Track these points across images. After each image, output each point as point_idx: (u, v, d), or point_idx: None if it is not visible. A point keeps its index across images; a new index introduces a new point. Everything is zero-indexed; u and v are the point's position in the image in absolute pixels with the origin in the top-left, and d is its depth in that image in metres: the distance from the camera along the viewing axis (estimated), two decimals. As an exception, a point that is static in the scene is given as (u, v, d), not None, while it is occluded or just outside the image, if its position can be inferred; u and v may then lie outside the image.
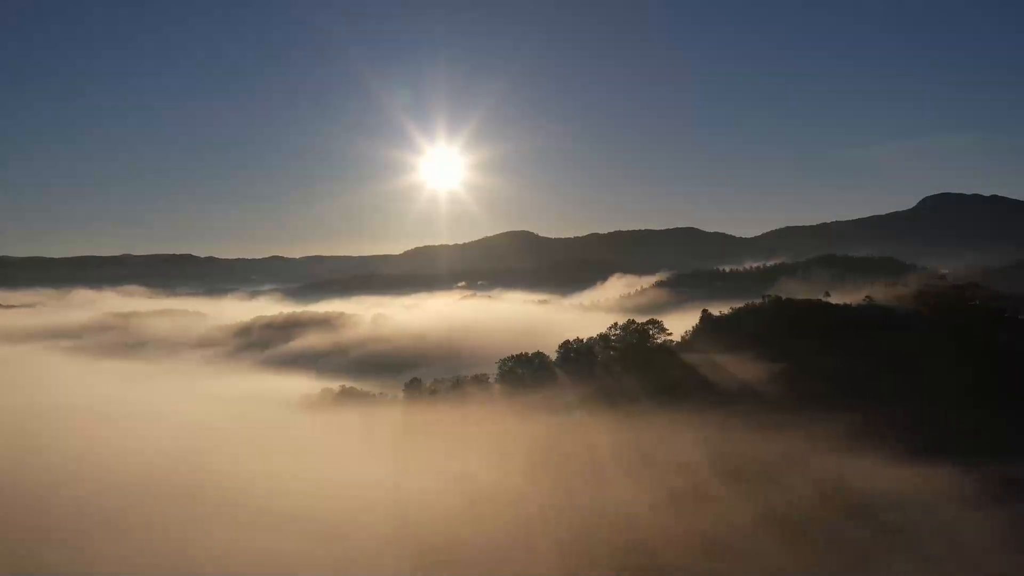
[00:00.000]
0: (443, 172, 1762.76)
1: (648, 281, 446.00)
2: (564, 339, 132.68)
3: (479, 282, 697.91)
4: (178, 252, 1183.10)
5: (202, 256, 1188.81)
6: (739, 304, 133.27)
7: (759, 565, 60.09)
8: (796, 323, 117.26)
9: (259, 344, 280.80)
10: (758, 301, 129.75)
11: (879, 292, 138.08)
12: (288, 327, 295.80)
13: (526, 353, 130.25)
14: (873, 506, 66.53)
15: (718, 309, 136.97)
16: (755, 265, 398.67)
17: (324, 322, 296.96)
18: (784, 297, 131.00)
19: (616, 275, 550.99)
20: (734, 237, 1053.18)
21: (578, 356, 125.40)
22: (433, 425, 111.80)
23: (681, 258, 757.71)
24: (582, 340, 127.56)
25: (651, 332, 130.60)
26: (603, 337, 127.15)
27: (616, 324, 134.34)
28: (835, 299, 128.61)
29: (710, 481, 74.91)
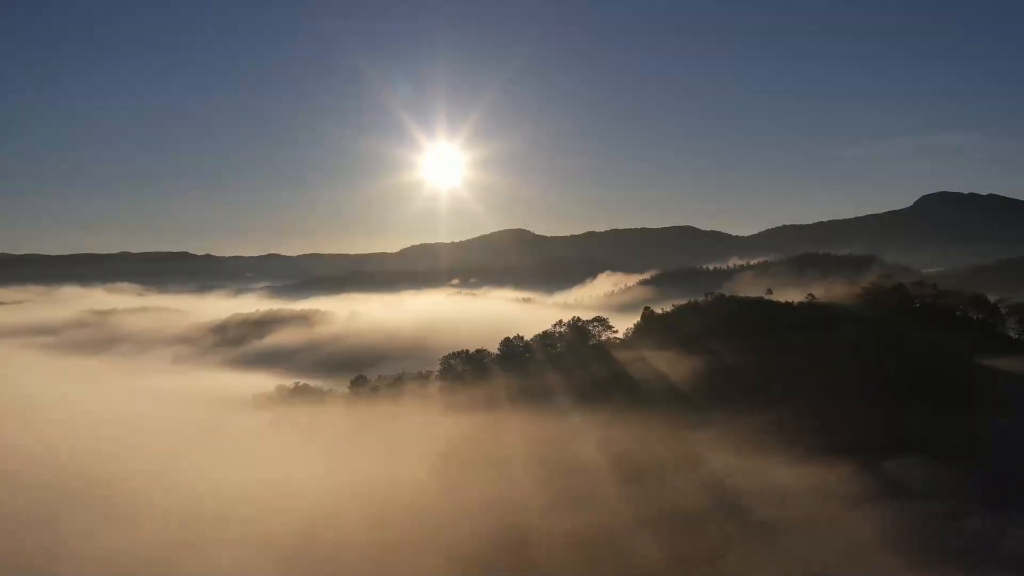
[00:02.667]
0: (443, 169, 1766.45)
1: (635, 279, 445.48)
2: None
3: (472, 280, 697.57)
4: (175, 250, 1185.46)
5: (199, 254, 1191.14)
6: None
7: (629, 565, 59.43)
8: (732, 322, 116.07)
9: (233, 341, 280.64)
10: (701, 299, 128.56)
11: (836, 290, 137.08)
12: (264, 324, 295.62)
13: (467, 350, 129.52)
14: (752, 504, 65.99)
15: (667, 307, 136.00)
16: (740, 263, 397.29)
17: (300, 319, 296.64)
18: (728, 295, 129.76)
19: (605, 273, 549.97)
20: (730, 236, 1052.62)
21: (517, 353, 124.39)
22: (362, 423, 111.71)
23: (677, 256, 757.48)
24: (522, 337, 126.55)
25: (593, 330, 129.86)
26: (543, 335, 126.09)
27: (561, 321, 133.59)
28: (778, 297, 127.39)
29: (606, 481, 74.18)
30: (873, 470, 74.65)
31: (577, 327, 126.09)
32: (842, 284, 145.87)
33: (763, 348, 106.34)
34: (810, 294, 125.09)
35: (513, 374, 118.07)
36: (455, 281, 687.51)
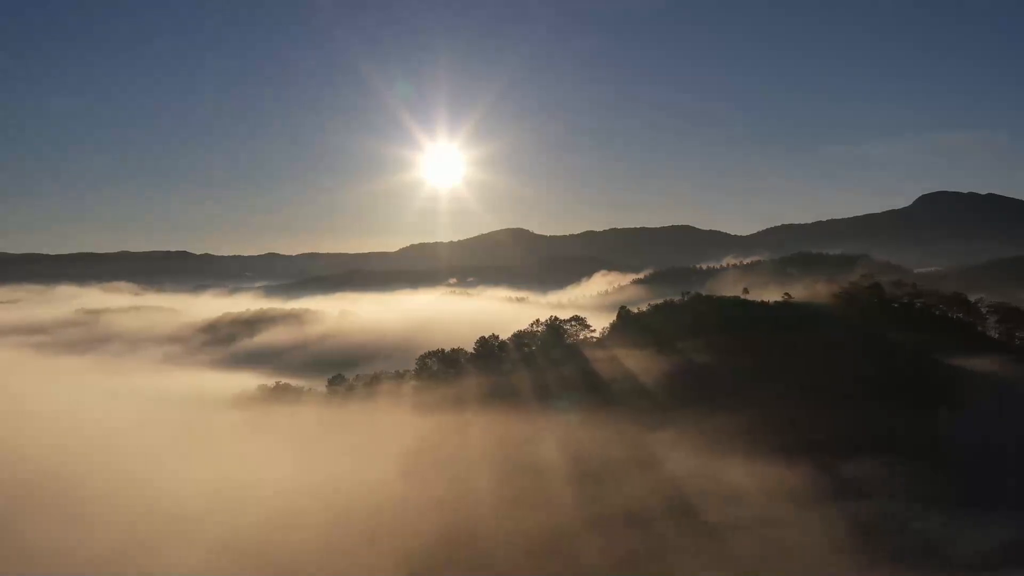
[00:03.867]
0: (443, 168, 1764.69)
1: (629, 279, 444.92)
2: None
3: (469, 279, 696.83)
4: (174, 249, 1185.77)
5: (198, 253, 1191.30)
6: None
7: (575, 565, 59.20)
8: (706, 321, 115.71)
9: (223, 341, 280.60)
10: (677, 299, 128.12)
11: (815, 290, 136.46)
12: (254, 324, 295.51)
13: (442, 349, 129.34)
14: (705, 505, 65.92)
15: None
16: (733, 262, 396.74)
17: (291, 318, 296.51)
18: (705, 294, 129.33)
19: (600, 273, 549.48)
20: (729, 235, 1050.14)
21: (491, 352, 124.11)
22: (334, 423, 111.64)
23: (676, 256, 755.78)
24: (497, 337, 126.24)
25: (571, 329, 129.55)
26: (518, 334, 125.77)
27: (537, 320, 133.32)
28: (762, 297, 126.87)
29: (562, 482, 73.97)
30: (832, 470, 74.60)
31: (552, 327, 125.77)
32: (821, 283, 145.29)
33: (734, 348, 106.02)
34: (786, 293, 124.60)
35: (486, 373, 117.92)
36: (452, 280, 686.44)
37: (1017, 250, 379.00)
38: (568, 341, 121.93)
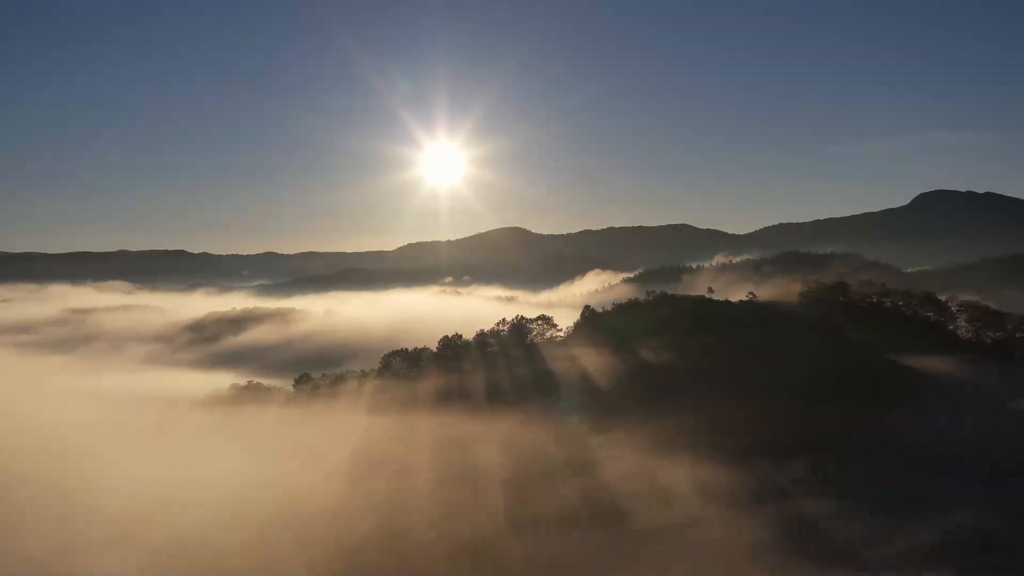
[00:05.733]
0: (442, 167, 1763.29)
1: (621, 278, 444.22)
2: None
3: (464, 278, 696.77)
4: (172, 248, 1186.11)
5: (195, 252, 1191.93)
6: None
7: (494, 570, 58.77)
8: (668, 321, 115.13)
9: (208, 340, 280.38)
10: (642, 299, 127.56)
11: (785, 289, 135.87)
12: (240, 322, 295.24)
13: (406, 348, 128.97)
14: (636, 508, 65.27)
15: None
16: (723, 261, 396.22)
17: (276, 317, 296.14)
18: (670, 294, 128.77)
19: (594, 272, 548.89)
20: (727, 234, 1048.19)
21: (455, 352, 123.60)
22: (290, 423, 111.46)
23: (673, 255, 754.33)
24: (460, 336, 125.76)
25: (538, 328, 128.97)
26: (481, 334, 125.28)
27: (504, 320, 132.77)
28: (718, 296, 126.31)
29: (498, 486, 73.43)
30: (771, 471, 74.03)
31: (516, 326, 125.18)
32: (789, 282, 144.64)
33: (693, 348, 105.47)
34: (751, 292, 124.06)
35: (446, 373, 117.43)
36: (448, 280, 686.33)
37: (1015, 248, 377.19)
38: (532, 341, 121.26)
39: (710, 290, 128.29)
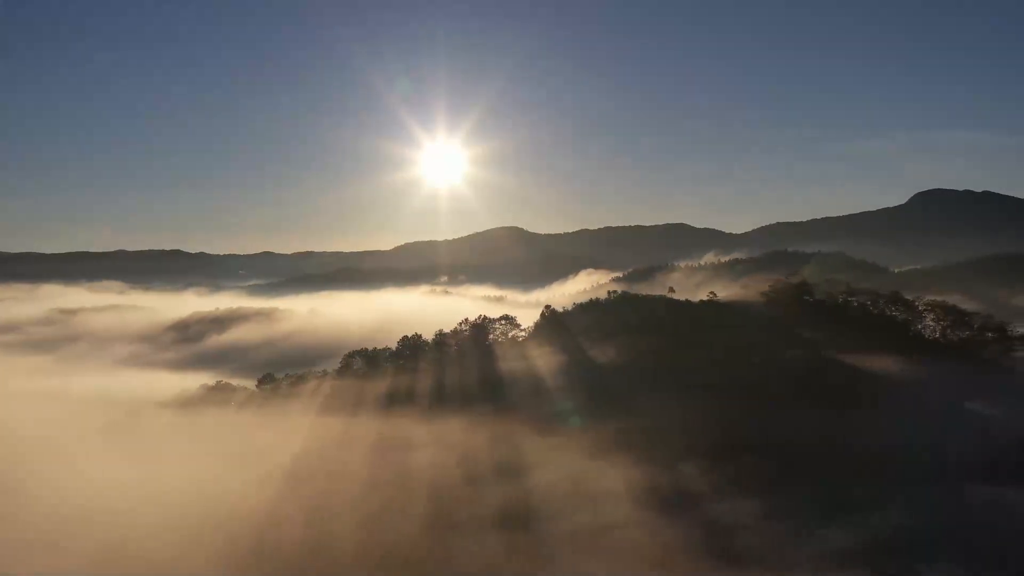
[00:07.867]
0: (441, 167, 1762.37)
1: (611, 277, 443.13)
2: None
3: (460, 277, 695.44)
4: (169, 248, 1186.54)
5: (193, 252, 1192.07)
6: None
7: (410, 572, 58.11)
8: (627, 321, 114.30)
9: (191, 339, 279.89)
10: (603, 298, 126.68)
11: (751, 289, 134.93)
12: (225, 322, 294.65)
13: (366, 348, 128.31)
14: (565, 510, 64.78)
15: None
16: (711, 261, 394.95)
17: (260, 316, 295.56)
18: (632, 294, 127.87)
19: (586, 271, 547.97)
20: (724, 233, 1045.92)
21: (414, 352, 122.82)
22: (242, 424, 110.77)
23: (668, 254, 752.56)
24: (419, 335, 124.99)
25: (501, 328, 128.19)
26: (440, 333, 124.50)
27: (466, 319, 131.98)
28: (679, 296, 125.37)
29: (432, 489, 72.64)
30: (708, 473, 73.28)
31: (476, 325, 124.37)
32: (760, 282, 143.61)
33: (648, 348, 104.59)
34: (712, 292, 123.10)
35: (400, 374, 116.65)
36: (444, 279, 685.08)
37: (1011, 247, 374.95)
38: (492, 341, 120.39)
39: (671, 290, 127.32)
